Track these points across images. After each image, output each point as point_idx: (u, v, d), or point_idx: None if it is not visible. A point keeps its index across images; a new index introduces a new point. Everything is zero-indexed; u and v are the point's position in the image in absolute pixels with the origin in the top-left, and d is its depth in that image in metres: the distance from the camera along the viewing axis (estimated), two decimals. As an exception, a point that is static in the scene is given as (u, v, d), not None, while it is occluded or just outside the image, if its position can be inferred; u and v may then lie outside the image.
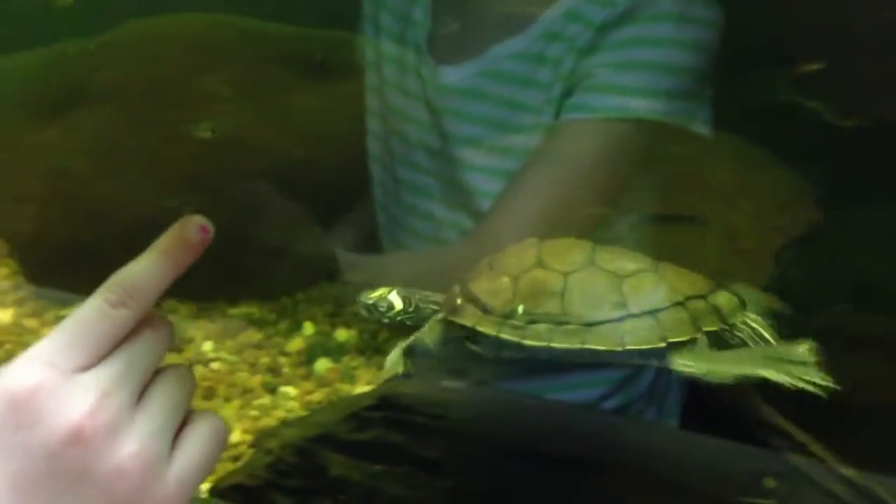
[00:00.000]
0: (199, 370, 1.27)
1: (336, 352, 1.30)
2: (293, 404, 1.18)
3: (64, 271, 1.31)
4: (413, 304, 0.86)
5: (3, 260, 1.31)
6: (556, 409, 0.86)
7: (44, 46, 1.32)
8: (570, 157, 1.08)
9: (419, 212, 1.24)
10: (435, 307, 0.85)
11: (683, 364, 0.77)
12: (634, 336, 0.78)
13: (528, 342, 0.79)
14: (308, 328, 1.33)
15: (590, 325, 0.79)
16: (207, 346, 1.27)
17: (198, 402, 1.10)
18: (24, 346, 1.36)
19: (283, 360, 1.27)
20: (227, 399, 1.21)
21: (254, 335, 1.31)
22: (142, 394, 0.54)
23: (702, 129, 1.08)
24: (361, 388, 1.19)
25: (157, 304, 1.33)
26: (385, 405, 0.87)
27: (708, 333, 0.78)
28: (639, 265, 0.80)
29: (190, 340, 1.30)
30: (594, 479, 0.84)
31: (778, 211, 1.27)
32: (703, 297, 0.80)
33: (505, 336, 0.79)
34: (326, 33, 1.31)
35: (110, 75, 1.23)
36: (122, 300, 0.55)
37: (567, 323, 0.79)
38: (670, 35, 1.07)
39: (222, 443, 0.56)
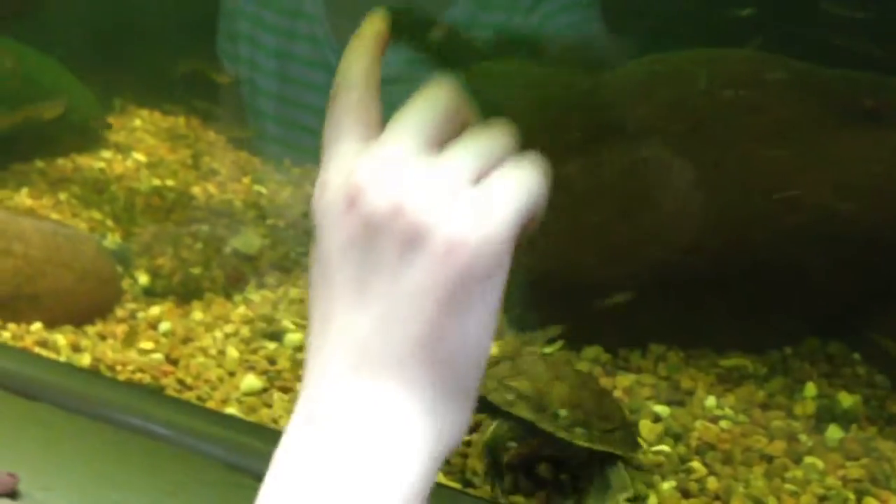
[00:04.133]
0: (709, 428, 1.20)
1: (843, 418, 1.20)
2: (831, 480, 1.09)
3: (540, 304, 1.27)
4: None
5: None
6: None
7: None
8: None
9: None
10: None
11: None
12: (632, 443, 1.06)
13: (578, 442, 0.99)
14: (810, 389, 1.23)
15: (608, 431, 1.02)
16: (710, 401, 1.20)
17: (717, 468, 1.03)
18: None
19: (795, 424, 1.19)
20: (747, 465, 1.13)
21: (755, 392, 1.23)
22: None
23: None
24: (904, 470, 1.08)
25: (644, 348, 1.41)
26: None
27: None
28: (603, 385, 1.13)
29: (690, 392, 1.23)
30: None
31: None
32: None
33: (560, 435, 0.98)
34: (875, 78, 1.20)
35: (640, 111, 1.16)
36: None
37: (592, 427, 1.00)
38: None
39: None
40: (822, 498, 1.06)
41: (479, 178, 0.52)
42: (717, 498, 1.07)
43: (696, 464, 1.11)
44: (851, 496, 1.05)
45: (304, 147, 1.59)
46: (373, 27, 0.59)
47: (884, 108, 1.18)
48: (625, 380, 1.24)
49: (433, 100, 0.55)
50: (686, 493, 1.07)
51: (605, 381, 1.24)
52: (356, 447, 0.48)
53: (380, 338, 0.49)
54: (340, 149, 0.53)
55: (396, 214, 0.49)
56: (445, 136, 0.54)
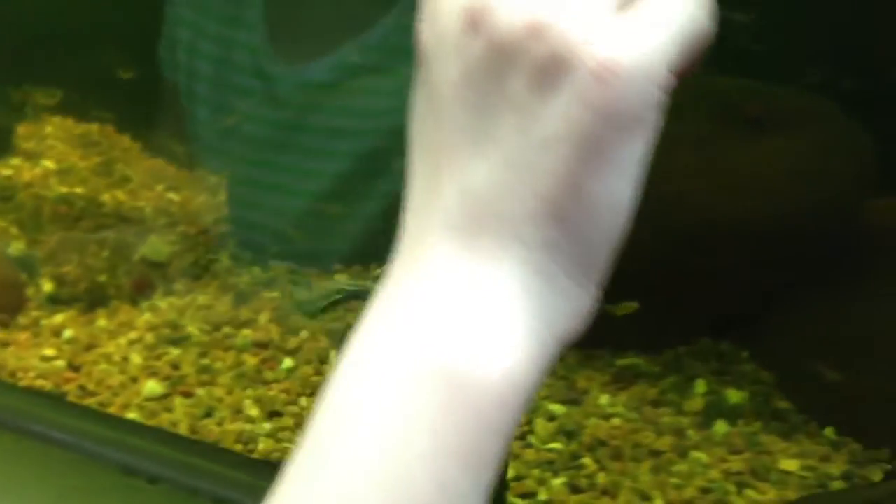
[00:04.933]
0: (601, 426, 1.23)
1: (730, 414, 1.24)
2: (714, 474, 1.13)
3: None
4: None
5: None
6: None
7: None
8: None
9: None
10: None
11: None
12: None
13: None
14: (700, 386, 1.27)
15: None
16: (604, 399, 1.23)
17: (607, 463, 1.06)
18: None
19: (683, 420, 1.22)
20: (636, 460, 1.17)
21: (647, 390, 1.27)
22: None
23: None
24: (785, 462, 1.13)
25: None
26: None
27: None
28: None
29: (585, 391, 1.26)
30: None
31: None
32: None
33: None
34: (758, 84, 1.25)
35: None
36: None
37: None
38: None
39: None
40: (705, 490, 1.10)
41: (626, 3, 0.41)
42: (605, 492, 1.10)
43: (586, 460, 1.15)
44: (732, 488, 1.09)
45: (234, 154, 1.59)
46: None
47: (767, 115, 1.23)
48: (522, 380, 1.27)
49: None
50: (576, 489, 1.10)
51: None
52: (440, 330, 0.40)
53: (497, 189, 0.41)
54: None
55: (535, 35, 0.39)
56: None
